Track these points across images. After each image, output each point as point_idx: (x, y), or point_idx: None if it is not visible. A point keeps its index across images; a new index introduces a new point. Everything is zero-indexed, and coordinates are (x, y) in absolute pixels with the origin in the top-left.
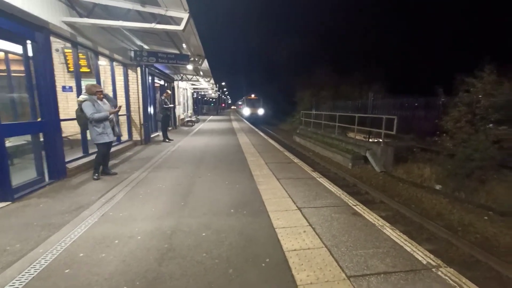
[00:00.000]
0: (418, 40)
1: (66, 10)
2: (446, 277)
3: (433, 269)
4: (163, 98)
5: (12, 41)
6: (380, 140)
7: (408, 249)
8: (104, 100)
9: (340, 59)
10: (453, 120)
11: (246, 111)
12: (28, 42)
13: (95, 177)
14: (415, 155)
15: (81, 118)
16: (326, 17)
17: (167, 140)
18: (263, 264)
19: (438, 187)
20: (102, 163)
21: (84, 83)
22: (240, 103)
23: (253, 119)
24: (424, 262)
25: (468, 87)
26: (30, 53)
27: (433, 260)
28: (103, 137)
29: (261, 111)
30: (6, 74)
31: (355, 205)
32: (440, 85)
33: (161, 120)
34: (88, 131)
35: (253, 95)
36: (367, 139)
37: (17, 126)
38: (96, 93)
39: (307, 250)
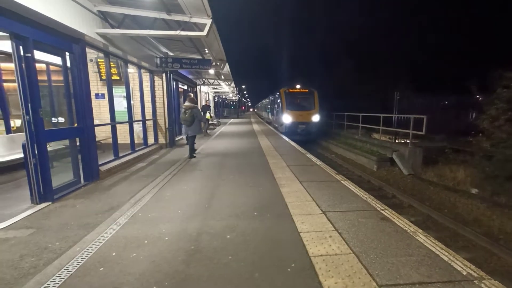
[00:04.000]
0: (445, 36)
1: (99, 22)
2: None
3: (475, 281)
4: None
5: (53, 53)
6: (408, 141)
7: (445, 258)
8: None
9: (364, 58)
10: (490, 118)
11: (287, 118)
12: (67, 53)
13: (193, 155)
14: (446, 156)
15: (193, 118)
16: (347, 15)
17: None
18: (289, 269)
19: (474, 191)
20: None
21: (115, 90)
22: (261, 104)
23: (304, 138)
24: (464, 273)
25: (507, 82)
26: (68, 64)
27: (474, 271)
28: (201, 130)
29: (316, 118)
30: (47, 84)
31: (383, 210)
32: (470, 82)
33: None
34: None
35: (298, 86)
36: (393, 140)
37: (57, 131)
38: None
39: (334, 256)
